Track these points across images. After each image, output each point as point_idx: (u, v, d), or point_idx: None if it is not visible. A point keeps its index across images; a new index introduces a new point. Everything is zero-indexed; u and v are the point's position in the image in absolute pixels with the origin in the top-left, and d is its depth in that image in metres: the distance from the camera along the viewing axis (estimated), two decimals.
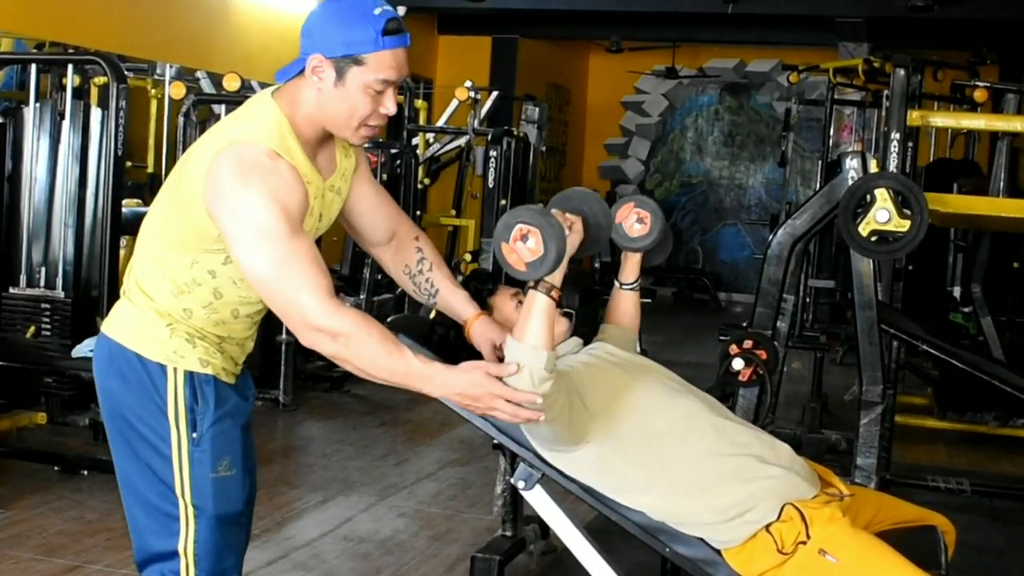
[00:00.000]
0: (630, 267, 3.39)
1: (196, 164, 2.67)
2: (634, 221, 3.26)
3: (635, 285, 3.43)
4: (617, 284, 3.44)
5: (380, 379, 2.64)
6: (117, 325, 2.83)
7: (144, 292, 2.79)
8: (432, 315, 3.29)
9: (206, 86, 8.46)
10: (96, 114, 6.48)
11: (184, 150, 7.12)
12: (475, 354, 3.09)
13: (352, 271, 9.53)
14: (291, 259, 2.57)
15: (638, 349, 3.52)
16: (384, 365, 2.62)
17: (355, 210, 3.02)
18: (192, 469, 2.77)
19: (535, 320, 2.79)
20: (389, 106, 2.70)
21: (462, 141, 10.63)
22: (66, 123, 6.41)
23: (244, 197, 2.57)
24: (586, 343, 3.32)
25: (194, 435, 2.76)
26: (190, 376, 2.76)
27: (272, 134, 2.66)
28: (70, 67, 6.41)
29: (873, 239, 4.30)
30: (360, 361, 2.62)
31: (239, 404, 2.89)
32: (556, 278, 2.80)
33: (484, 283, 3.23)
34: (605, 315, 3.47)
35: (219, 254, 2.70)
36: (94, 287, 6.33)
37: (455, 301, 3.11)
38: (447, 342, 3.21)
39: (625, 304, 3.44)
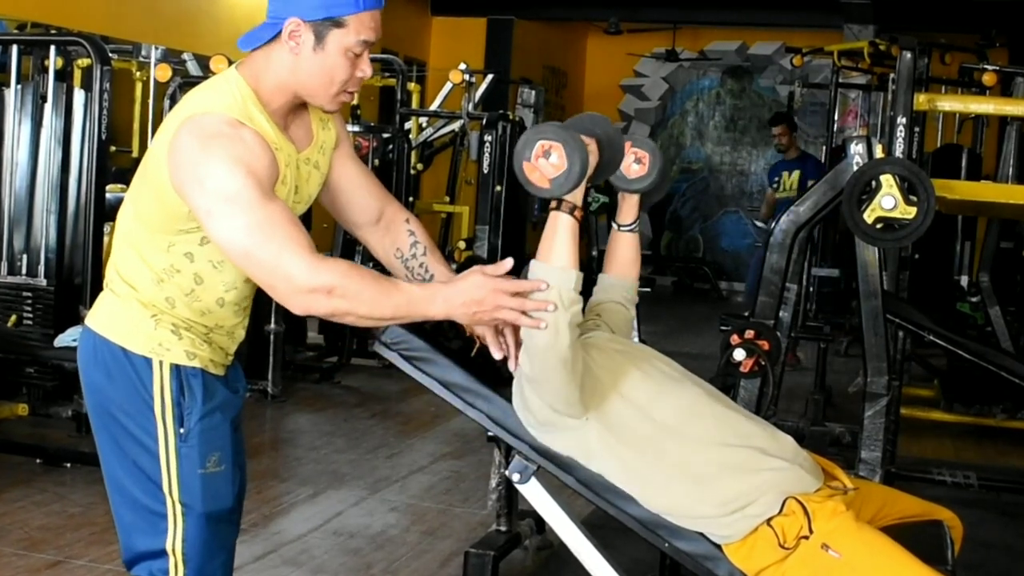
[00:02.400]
0: (628, 207, 3.36)
1: (159, 143, 2.64)
2: (632, 161, 3.24)
3: (634, 226, 3.39)
4: (615, 226, 3.41)
5: (387, 318, 2.65)
6: (100, 318, 2.80)
7: (126, 281, 2.76)
8: None
9: (192, 68, 8.45)
10: (79, 97, 6.47)
11: None
12: (468, 342, 3.11)
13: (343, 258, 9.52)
14: (266, 224, 2.53)
15: (636, 336, 3.52)
16: (386, 303, 2.59)
17: (338, 187, 3.00)
18: (180, 466, 2.74)
19: (560, 240, 2.80)
20: (366, 69, 2.69)
21: (456, 126, 10.62)
22: (48, 106, 6.40)
23: (208, 167, 2.53)
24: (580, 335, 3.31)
25: (181, 430, 2.73)
26: (176, 369, 2.73)
27: (233, 104, 2.62)
28: (53, 48, 6.41)
29: (878, 226, 4.30)
30: (361, 308, 2.58)
31: (228, 397, 2.85)
32: (577, 197, 2.81)
33: None
34: (604, 264, 3.46)
35: (194, 234, 2.67)
36: (77, 275, 6.33)
37: None
38: (439, 330, 3.21)
39: (624, 248, 3.41)
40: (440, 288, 2.68)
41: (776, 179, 10.88)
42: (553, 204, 2.82)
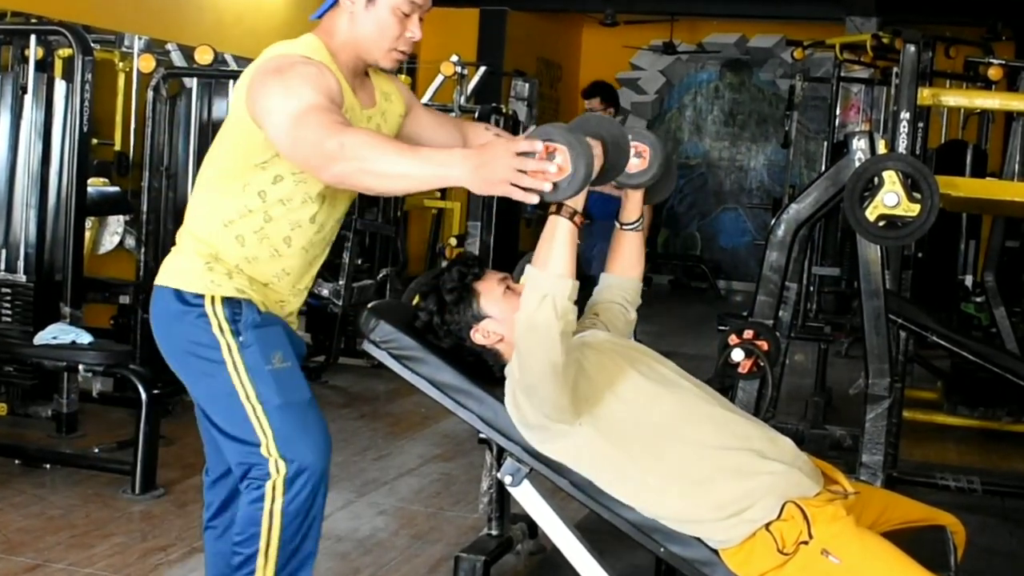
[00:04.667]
0: (631, 205, 3.38)
1: (238, 91, 3.06)
2: (631, 155, 3.23)
3: (637, 225, 3.42)
4: (618, 225, 3.43)
5: (414, 177, 2.71)
6: (162, 271, 3.21)
7: (192, 234, 3.18)
8: (415, 301, 3.29)
9: (177, 59, 8.42)
10: (60, 88, 6.45)
11: (153, 126, 7.20)
12: (459, 340, 3.15)
13: (331, 255, 9.51)
14: (309, 111, 2.83)
15: (633, 333, 3.52)
16: (407, 158, 2.71)
17: (424, 134, 3.38)
18: (248, 369, 3.11)
19: (558, 247, 2.81)
20: (415, 31, 3.10)
21: None
22: (28, 97, 6.38)
23: (281, 82, 2.91)
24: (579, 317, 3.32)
25: (240, 339, 3.11)
26: (227, 299, 3.12)
27: (308, 50, 3.05)
28: (33, 38, 6.38)
29: (881, 224, 4.31)
30: (379, 163, 2.72)
31: (286, 330, 3.25)
32: (579, 203, 2.82)
33: (470, 267, 3.22)
34: (607, 263, 3.47)
35: (268, 170, 3.06)
36: (57, 271, 6.32)
37: None
38: (430, 327, 3.21)
39: (627, 247, 3.44)
40: (464, 151, 2.77)
41: None
42: (553, 207, 2.82)
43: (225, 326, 3.11)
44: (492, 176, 2.65)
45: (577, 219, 2.82)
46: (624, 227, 3.43)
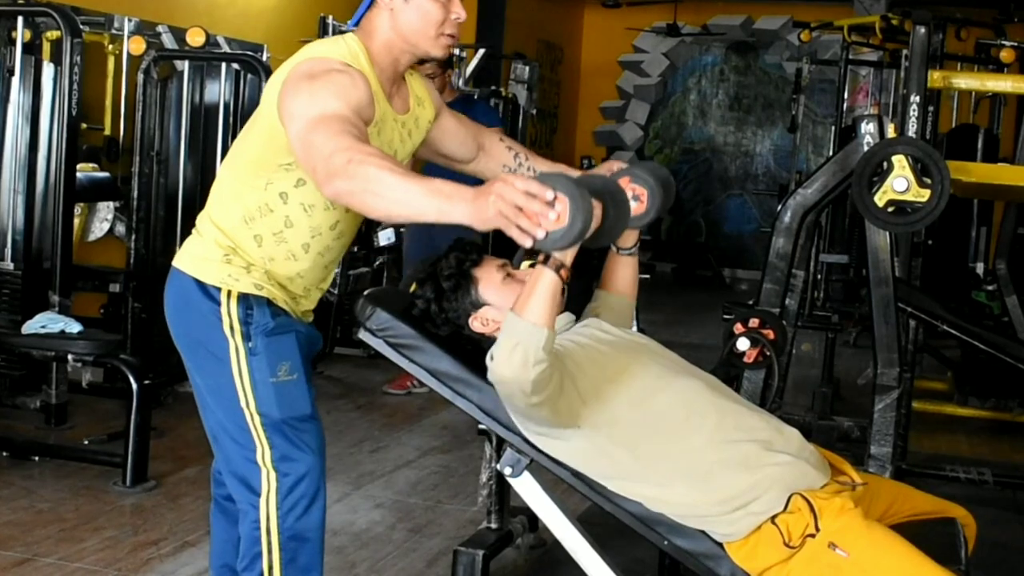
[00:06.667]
0: (627, 233, 3.37)
1: (271, 87, 3.05)
2: (629, 198, 3.23)
3: (633, 250, 3.44)
4: (614, 249, 3.44)
5: (415, 208, 2.66)
6: (181, 255, 3.24)
7: (213, 222, 3.18)
8: (412, 288, 3.29)
9: (168, 41, 8.39)
10: (48, 71, 6.45)
11: (144, 110, 7.18)
12: (457, 328, 3.16)
13: None
14: (329, 120, 2.83)
15: (636, 324, 3.52)
16: (414, 188, 2.64)
17: (441, 143, 3.44)
18: (252, 377, 3.13)
19: (539, 297, 2.82)
20: (459, 11, 3.11)
21: None
22: (15, 80, 6.39)
23: (310, 89, 2.91)
24: (578, 319, 3.32)
25: (250, 344, 3.13)
26: (244, 296, 3.13)
27: (346, 53, 3.05)
28: (20, 20, 6.38)
29: (890, 210, 4.31)
30: (383, 187, 2.67)
31: (299, 329, 3.24)
32: (568, 257, 2.82)
33: (468, 253, 3.22)
34: (601, 282, 3.47)
35: (292, 172, 3.06)
36: (46, 258, 6.33)
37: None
38: (427, 315, 3.22)
39: (623, 271, 3.45)
40: (474, 190, 2.67)
41: None
42: (541, 257, 2.82)
43: (237, 327, 3.13)
44: (492, 207, 2.60)
45: (563, 272, 2.82)
46: (621, 252, 3.44)
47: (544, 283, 2.82)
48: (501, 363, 2.85)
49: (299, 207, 3.11)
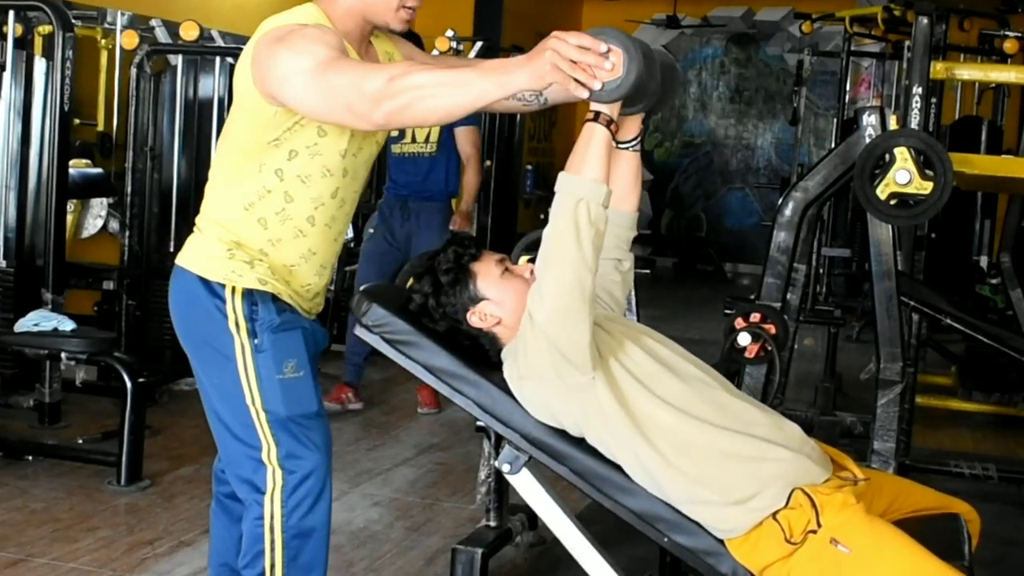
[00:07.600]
0: (627, 120, 3.21)
1: (241, 70, 3.06)
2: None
3: (636, 144, 3.27)
4: (613, 143, 3.00)
5: (477, 93, 2.73)
6: (184, 253, 3.25)
7: (212, 219, 3.19)
8: (409, 284, 3.29)
9: (161, 35, 8.40)
10: (40, 66, 6.45)
11: (137, 105, 7.19)
12: (454, 324, 3.15)
13: None
14: (329, 61, 2.85)
15: (634, 317, 3.51)
16: (469, 79, 2.72)
17: None
18: (258, 375, 3.14)
19: (594, 153, 2.84)
20: None
21: None
22: (7, 75, 6.38)
23: (288, 46, 2.92)
24: None
25: (255, 341, 3.14)
26: (248, 292, 3.14)
27: (305, 19, 3.04)
28: (11, 14, 6.37)
29: (892, 203, 4.31)
30: (438, 88, 2.73)
31: (305, 325, 3.26)
32: (615, 112, 2.87)
33: (467, 248, 3.21)
34: None
35: (283, 147, 3.08)
36: (39, 255, 6.32)
37: None
38: (425, 310, 3.21)
39: (623, 169, 3.26)
40: (513, 58, 2.77)
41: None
42: (590, 115, 2.84)
43: (242, 323, 3.13)
44: (547, 63, 2.66)
45: (613, 127, 2.85)
46: (620, 146, 3.24)
47: (598, 139, 2.84)
48: (565, 219, 2.81)
49: (296, 180, 3.12)
